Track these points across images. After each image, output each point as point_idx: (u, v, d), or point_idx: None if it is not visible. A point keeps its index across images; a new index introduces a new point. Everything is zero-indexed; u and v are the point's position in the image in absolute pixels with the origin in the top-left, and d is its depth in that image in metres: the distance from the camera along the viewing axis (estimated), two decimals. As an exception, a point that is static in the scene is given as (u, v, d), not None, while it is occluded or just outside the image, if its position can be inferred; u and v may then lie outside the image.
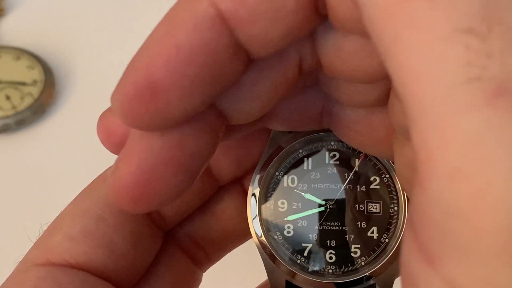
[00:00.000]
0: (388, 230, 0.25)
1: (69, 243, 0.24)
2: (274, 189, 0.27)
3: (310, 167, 0.27)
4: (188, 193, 0.24)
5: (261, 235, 0.26)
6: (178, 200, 0.24)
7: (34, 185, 0.49)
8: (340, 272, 0.25)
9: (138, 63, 0.18)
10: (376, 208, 0.26)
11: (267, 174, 0.27)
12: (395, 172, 0.26)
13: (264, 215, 0.27)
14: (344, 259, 0.26)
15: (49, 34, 0.55)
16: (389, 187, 0.26)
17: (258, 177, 0.27)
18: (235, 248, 0.29)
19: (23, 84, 0.51)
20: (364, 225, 0.26)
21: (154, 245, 0.26)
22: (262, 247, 0.26)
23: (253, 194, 0.27)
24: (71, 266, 0.24)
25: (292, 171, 0.27)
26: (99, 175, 0.26)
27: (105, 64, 0.53)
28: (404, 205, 0.25)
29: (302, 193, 0.27)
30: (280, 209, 0.27)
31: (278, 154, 0.27)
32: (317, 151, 0.27)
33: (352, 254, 0.25)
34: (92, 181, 0.26)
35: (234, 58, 0.18)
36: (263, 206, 0.27)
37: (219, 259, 0.29)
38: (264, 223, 0.26)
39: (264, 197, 0.27)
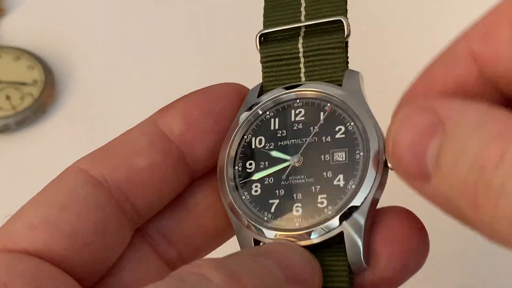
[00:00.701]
0: (354, 176, 0.25)
1: (28, 230, 0.24)
2: (242, 152, 0.27)
3: (276, 127, 0.27)
4: (161, 180, 0.26)
5: (230, 197, 0.26)
6: (149, 189, 0.26)
7: (34, 185, 0.48)
8: (307, 224, 0.25)
9: None
10: (342, 157, 0.25)
11: (234, 139, 0.27)
12: (359, 119, 0.25)
13: (231, 177, 0.27)
14: (310, 210, 0.25)
15: (49, 34, 0.55)
16: (354, 134, 0.25)
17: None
18: (211, 249, 0.28)
19: (23, 84, 0.51)
20: (330, 175, 0.25)
21: (122, 239, 0.26)
22: (230, 208, 0.26)
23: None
24: (28, 254, 0.23)
25: (260, 132, 0.27)
26: (66, 169, 0.26)
27: (105, 64, 0.53)
28: (368, 150, 0.25)
29: (269, 152, 0.26)
30: (248, 170, 0.27)
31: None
32: (283, 111, 0.27)
33: (319, 205, 0.25)
34: (61, 172, 0.26)
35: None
36: (231, 170, 0.27)
37: (192, 260, 0.28)
38: (232, 185, 0.26)
39: (233, 162, 0.27)
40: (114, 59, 0.54)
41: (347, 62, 0.27)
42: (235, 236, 0.27)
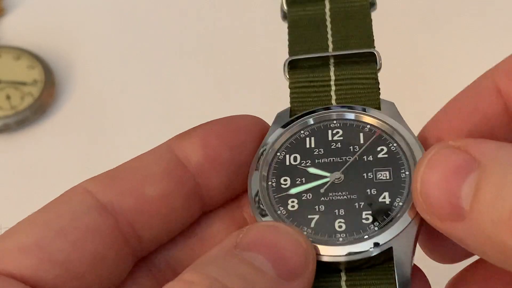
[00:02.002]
0: (401, 194, 0.24)
1: (18, 252, 0.22)
2: (276, 168, 0.26)
3: (313, 145, 0.26)
4: (171, 211, 0.24)
5: (263, 213, 0.25)
6: (158, 220, 0.24)
7: (34, 185, 0.48)
8: (352, 239, 0.24)
9: None
10: (385, 176, 0.25)
11: (267, 155, 0.26)
12: (403, 138, 0.25)
13: (264, 193, 0.25)
14: (355, 226, 0.24)
15: (49, 34, 0.55)
16: (398, 154, 0.25)
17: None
18: None
19: (23, 84, 0.51)
20: (374, 192, 0.24)
21: (121, 270, 0.24)
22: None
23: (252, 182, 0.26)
24: (13, 278, 0.21)
25: (294, 150, 0.26)
26: (72, 188, 0.24)
27: (105, 64, 0.53)
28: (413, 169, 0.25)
29: (306, 168, 0.26)
30: (282, 185, 0.25)
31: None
32: (319, 130, 0.26)
33: (364, 221, 0.24)
34: (66, 191, 0.24)
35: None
36: (264, 186, 0.25)
37: None
38: (265, 201, 0.25)
39: (266, 178, 0.26)
40: (114, 59, 0.54)
41: (379, 93, 0.27)
42: None
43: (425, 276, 0.25)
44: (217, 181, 0.25)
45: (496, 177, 0.19)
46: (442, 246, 0.25)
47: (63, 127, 0.51)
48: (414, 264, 0.24)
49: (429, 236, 0.25)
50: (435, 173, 0.20)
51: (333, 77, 0.27)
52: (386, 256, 0.23)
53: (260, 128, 0.27)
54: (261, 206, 0.25)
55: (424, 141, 0.25)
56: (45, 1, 0.56)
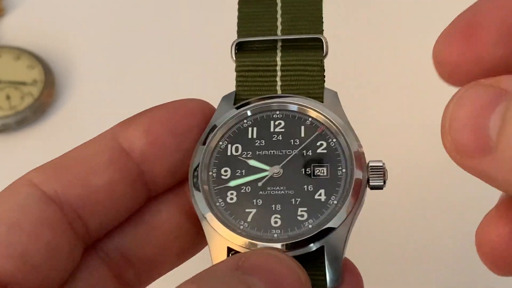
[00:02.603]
0: (336, 192, 0.25)
1: None
2: (217, 158, 0.26)
3: (254, 136, 0.26)
4: (117, 199, 0.25)
5: (207, 212, 0.25)
6: (104, 208, 0.24)
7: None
8: (286, 236, 0.24)
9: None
10: (323, 172, 0.25)
11: (209, 145, 0.26)
12: (343, 136, 0.25)
13: (205, 183, 0.25)
14: (290, 223, 0.25)
15: (49, 34, 0.55)
16: (336, 151, 0.25)
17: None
18: (170, 269, 0.27)
19: (23, 83, 0.51)
20: (311, 188, 0.25)
21: (73, 258, 0.24)
22: (204, 217, 0.25)
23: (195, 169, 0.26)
24: None
25: (236, 140, 0.26)
26: (16, 180, 0.25)
27: (105, 64, 0.53)
28: (351, 168, 0.25)
29: (247, 160, 0.26)
30: (223, 177, 0.26)
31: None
32: (262, 121, 0.27)
33: (299, 217, 0.25)
34: (10, 184, 0.24)
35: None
36: (204, 176, 0.26)
37: (151, 282, 0.27)
38: (206, 192, 0.25)
39: (207, 168, 0.26)
40: (114, 59, 0.54)
41: (324, 80, 0.27)
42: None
43: (356, 268, 0.25)
44: (161, 168, 0.26)
45: None
46: None
47: (63, 127, 0.51)
48: (346, 258, 0.25)
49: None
50: (464, 109, 0.19)
51: (279, 63, 0.27)
52: (317, 252, 0.24)
53: (206, 113, 0.27)
54: (197, 180, 0.25)
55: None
56: (45, 1, 0.56)
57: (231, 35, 0.28)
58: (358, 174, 0.25)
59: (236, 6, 0.29)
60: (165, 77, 0.52)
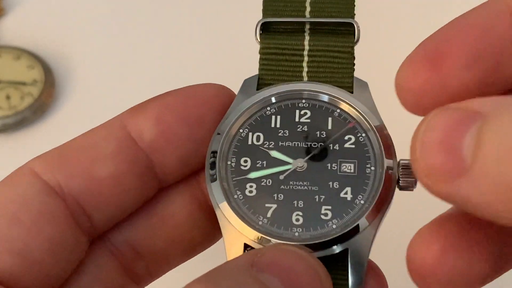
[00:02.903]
0: (363, 191, 0.23)
1: None
2: (236, 147, 0.24)
3: (278, 125, 0.25)
4: (124, 191, 0.23)
5: (222, 201, 0.24)
6: (110, 200, 0.23)
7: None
8: (308, 236, 0.23)
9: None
10: (350, 169, 0.24)
11: (229, 132, 0.24)
12: (373, 130, 0.24)
13: (223, 173, 0.24)
14: (312, 221, 0.23)
15: (49, 34, 0.55)
16: (365, 146, 0.24)
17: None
18: (179, 263, 0.26)
19: (23, 84, 0.51)
20: (336, 186, 0.23)
21: (77, 253, 0.23)
22: (220, 209, 0.24)
23: (212, 154, 0.24)
24: None
25: (258, 128, 0.25)
26: (18, 169, 0.23)
27: (105, 64, 0.53)
28: (381, 166, 0.23)
29: (269, 151, 0.24)
30: (242, 167, 0.24)
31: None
32: (286, 109, 0.25)
33: (322, 216, 0.23)
34: (11, 173, 0.23)
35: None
36: (223, 165, 0.24)
37: (160, 275, 0.26)
38: (225, 188, 0.24)
39: (225, 156, 0.24)
40: (114, 59, 0.54)
41: (354, 69, 0.25)
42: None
43: (381, 271, 0.24)
44: (172, 158, 0.24)
45: (499, 123, 0.17)
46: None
47: (62, 127, 0.51)
48: (369, 260, 0.23)
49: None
50: (435, 132, 0.19)
51: (307, 47, 0.26)
52: (340, 254, 0.23)
53: (222, 99, 0.25)
54: (215, 169, 0.24)
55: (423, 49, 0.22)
56: (45, 1, 0.56)
57: (256, 15, 0.27)
58: (388, 174, 0.23)
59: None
60: (166, 77, 0.52)
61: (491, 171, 0.17)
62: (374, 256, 0.24)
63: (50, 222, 0.22)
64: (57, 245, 0.22)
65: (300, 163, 0.24)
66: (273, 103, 0.25)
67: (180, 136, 0.24)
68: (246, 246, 0.23)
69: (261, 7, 0.26)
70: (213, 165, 0.24)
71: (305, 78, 0.26)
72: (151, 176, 0.24)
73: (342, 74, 0.25)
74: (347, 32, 0.26)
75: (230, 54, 0.50)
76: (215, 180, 0.24)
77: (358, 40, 0.26)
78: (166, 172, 0.24)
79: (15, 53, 0.52)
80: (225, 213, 0.24)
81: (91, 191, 0.23)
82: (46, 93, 0.51)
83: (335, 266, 0.23)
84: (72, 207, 0.23)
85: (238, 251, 0.23)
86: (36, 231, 0.22)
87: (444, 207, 0.22)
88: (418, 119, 0.20)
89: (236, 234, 0.23)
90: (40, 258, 0.22)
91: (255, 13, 0.27)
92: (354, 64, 0.25)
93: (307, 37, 0.26)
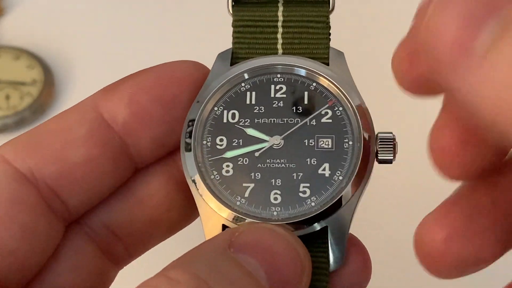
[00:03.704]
0: (342, 166, 0.23)
1: None
2: (212, 126, 0.24)
3: (253, 101, 0.24)
4: (98, 175, 0.23)
5: (195, 175, 0.23)
6: (84, 184, 0.22)
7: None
8: (287, 214, 0.22)
9: None
10: (328, 144, 0.23)
11: (203, 109, 0.24)
12: (350, 104, 0.23)
13: (199, 153, 0.23)
14: (291, 200, 0.23)
15: (49, 34, 0.55)
16: (343, 121, 0.23)
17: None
18: (160, 241, 0.25)
19: (23, 83, 0.51)
20: (314, 162, 0.23)
21: (52, 240, 0.23)
22: (197, 188, 0.23)
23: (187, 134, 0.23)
24: None
25: (233, 105, 0.24)
26: None
27: (105, 64, 0.53)
28: (360, 139, 0.23)
29: (244, 129, 0.24)
30: (218, 146, 0.24)
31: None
32: (261, 84, 0.24)
33: (301, 194, 0.23)
34: None
35: None
36: (198, 145, 0.23)
37: (140, 255, 0.25)
38: (199, 162, 0.23)
39: (201, 135, 0.24)
40: (114, 59, 0.54)
41: (329, 39, 0.25)
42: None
43: (363, 246, 0.24)
44: (147, 140, 0.24)
45: None
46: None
47: (62, 127, 0.51)
48: (352, 235, 0.23)
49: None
50: (448, 13, 0.16)
51: (280, 18, 0.25)
52: (320, 232, 0.23)
53: (197, 76, 0.24)
54: (190, 139, 0.23)
55: None
56: (45, 1, 0.56)
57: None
58: (366, 146, 0.23)
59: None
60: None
61: (504, 71, 0.15)
62: (356, 231, 0.24)
63: (22, 210, 0.22)
64: (30, 233, 0.22)
65: (277, 140, 0.24)
66: (247, 79, 0.24)
67: (154, 117, 0.23)
68: (224, 227, 0.23)
69: None
70: (189, 134, 0.24)
71: (280, 51, 0.25)
72: (125, 158, 0.24)
73: (318, 45, 0.25)
74: (321, 0, 0.25)
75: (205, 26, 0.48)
76: (190, 150, 0.23)
77: (333, 8, 0.25)
78: (141, 153, 0.24)
79: (14, 53, 0.52)
80: (201, 193, 0.23)
81: (64, 176, 0.23)
82: (45, 93, 0.51)
83: (316, 243, 0.23)
84: (45, 193, 0.22)
85: (217, 232, 0.23)
86: (8, 220, 0.21)
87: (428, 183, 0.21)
88: (396, 90, 0.20)
89: (213, 215, 0.23)
90: (13, 247, 0.21)
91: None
92: (329, 34, 0.25)
93: (280, 8, 0.25)
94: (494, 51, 0.15)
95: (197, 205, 0.23)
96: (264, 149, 0.23)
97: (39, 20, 0.55)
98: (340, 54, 0.25)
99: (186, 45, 0.54)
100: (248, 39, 0.25)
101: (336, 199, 0.22)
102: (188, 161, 0.23)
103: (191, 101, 0.24)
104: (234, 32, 0.25)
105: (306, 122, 0.24)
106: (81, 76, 0.53)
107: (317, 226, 0.22)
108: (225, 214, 0.23)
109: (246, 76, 0.24)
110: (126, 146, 0.23)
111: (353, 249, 0.23)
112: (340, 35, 0.26)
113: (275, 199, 0.23)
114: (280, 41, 0.25)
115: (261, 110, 0.24)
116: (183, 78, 0.24)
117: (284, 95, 0.24)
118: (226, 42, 0.26)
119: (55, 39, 0.54)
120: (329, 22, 0.25)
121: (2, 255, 0.21)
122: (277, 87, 0.24)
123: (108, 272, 0.25)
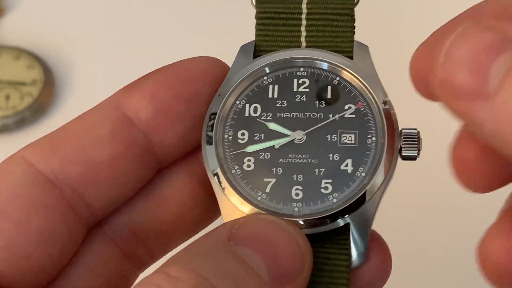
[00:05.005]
0: (364, 163, 0.22)
1: None
2: (233, 119, 0.24)
3: (275, 95, 0.24)
4: (123, 175, 0.22)
5: (216, 168, 0.23)
6: (108, 185, 0.22)
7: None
8: (308, 210, 0.22)
9: None
10: (351, 140, 0.23)
11: (225, 103, 0.23)
12: (374, 99, 0.23)
13: (220, 147, 0.23)
14: (312, 196, 0.22)
15: (49, 34, 0.54)
16: (366, 116, 0.23)
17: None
18: (182, 242, 0.25)
19: (23, 84, 0.51)
20: (337, 158, 0.23)
21: (71, 244, 0.22)
22: (218, 181, 0.23)
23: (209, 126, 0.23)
24: None
25: (255, 99, 0.24)
26: (9, 158, 0.22)
27: (105, 64, 0.53)
28: (383, 135, 0.22)
29: (266, 123, 0.23)
30: (240, 140, 0.23)
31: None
32: (284, 78, 0.24)
33: (322, 190, 0.22)
34: (1, 163, 0.22)
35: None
36: (219, 138, 0.23)
37: (161, 257, 0.25)
38: (220, 156, 0.23)
39: (222, 129, 0.23)
40: (114, 59, 0.53)
41: (354, 32, 0.24)
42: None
43: (384, 243, 0.24)
44: (171, 137, 0.23)
45: None
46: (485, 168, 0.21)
47: (62, 127, 0.51)
48: (373, 231, 0.23)
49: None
50: (464, 47, 0.17)
51: (304, 10, 0.24)
52: (342, 228, 0.22)
53: (216, 72, 0.24)
54: (212, 132, 0.23)
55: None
56: (45, 1, 0.56)
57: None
58: (390, 142, 0.23)
59: None
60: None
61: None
62: (378, 226, 0.23)
63: (41, 214, 0.21)
64: (47, 238, 0.21)
65: (299, 135, 0.23)
66: (270, 73, 0.24)
67: (177, 113, 0.23)
68: None
69: None
70: (211, 128, 0.23)
71: (304, 44, 0.25)
72: (150, 156, 0.23)
73: (342, 38, 0.24)
74: None
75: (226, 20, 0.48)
76: (211, 143, 0.23)
77: (358, 1, 0.25)
78: (165, 151, 0.23)
79: (14, 53, 0.52)
80: (223, 186, 0.23)
81: (88, 177, 0.22)
82: (45, 93, 0.51)
83: (337, 239, 0.22)
84: (69, 195, 0.22)
85: None
86: (24, 224, 0.21)
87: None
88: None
89: (235, 210, 0.23)
90: (29, 252, 0.21)
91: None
92: (354, 27, 0.24)
93: (304, 0, 0.25)
94: (501, 90, 0.17)
95: (218, 200, 0.23)
96: (286, 144, 0.23)
97: (39, 20, 0.55)
98: (365, 47, 0.24)
99: (188, 44, 0.54)
100: (272, 31, 0.25)
101: (359, 196, 0.22)
102: (209, 154, 0.23)
103: (213, 97, 0.24)
104: (257, 24, 0.25)
105: (329, 116, 0.23)
106: (81, 76, 0.53)
107: (340, 222, 0.22)
108: (246, 209, 0.22)
109: (268, 70, 0.24)
110: (150, 143, 0.23)
111: (373, 244, 0.23)
112: (365, 28, 0.26)
113: (297, 194, 0.22)
114: (303, 33, 0.25)
115: (284, 104, 0.24)
116: (203, 73, 0.24)
117: (307, 89, 0.24)
118: (249, 35, 0.25)
119: (55, 39, 0.54)
120: (354, 15, 0.24)
121: (17, 259, 0.21)
122: (300, 81, 0.24)
123: (129, 275, 0.24)
